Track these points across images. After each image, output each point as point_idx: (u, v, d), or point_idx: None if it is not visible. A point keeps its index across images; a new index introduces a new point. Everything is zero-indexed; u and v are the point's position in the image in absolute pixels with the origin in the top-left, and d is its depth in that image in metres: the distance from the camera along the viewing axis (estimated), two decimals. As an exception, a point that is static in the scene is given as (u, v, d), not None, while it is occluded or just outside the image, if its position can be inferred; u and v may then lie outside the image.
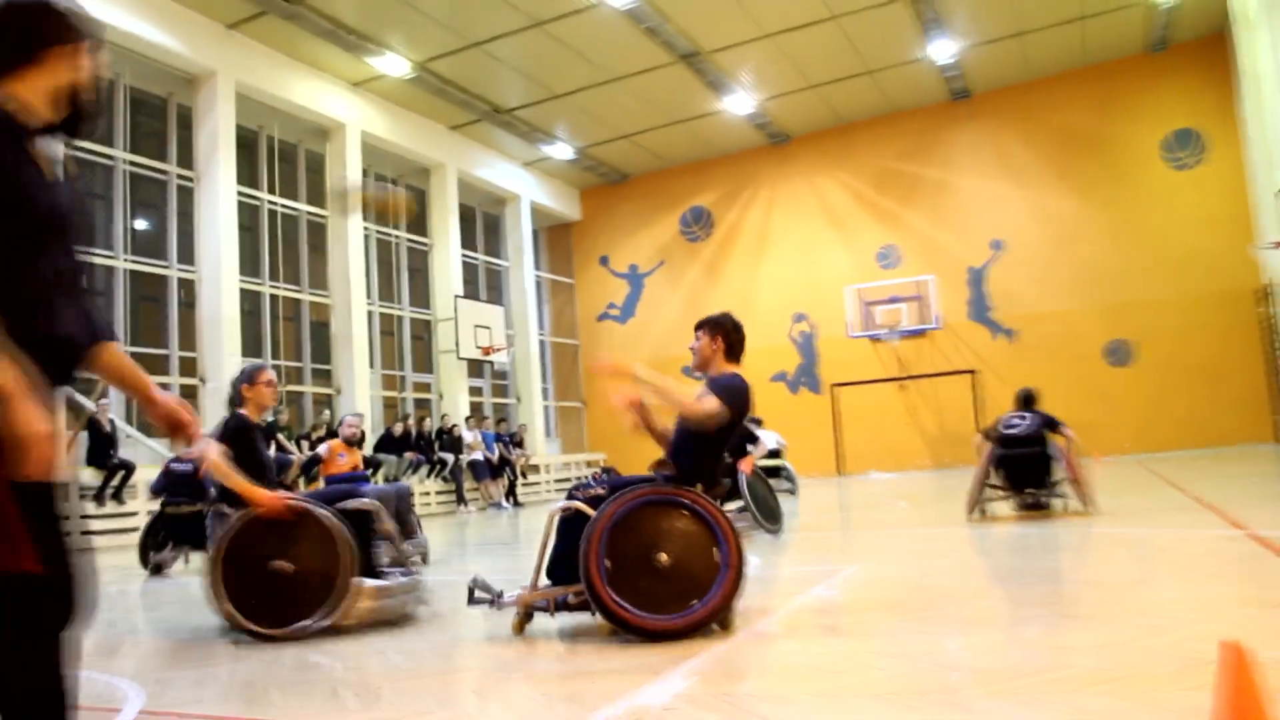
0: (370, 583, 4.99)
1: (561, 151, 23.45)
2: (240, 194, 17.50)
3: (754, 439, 9.96)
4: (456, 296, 21.20)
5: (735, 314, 5.12)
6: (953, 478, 18.16)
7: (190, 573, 9.13)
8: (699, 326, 4.91)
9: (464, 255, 22.88)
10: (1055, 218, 21.66)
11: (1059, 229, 21.58)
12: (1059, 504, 9.31)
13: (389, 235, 21.73)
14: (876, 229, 23.22)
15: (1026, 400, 9.76)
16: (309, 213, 19.63)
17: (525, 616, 4.58)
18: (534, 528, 12.32)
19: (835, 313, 22.90)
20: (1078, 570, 5.56)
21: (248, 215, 18.24)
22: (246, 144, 18.46)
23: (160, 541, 9.50)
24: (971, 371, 22.11)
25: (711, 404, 4.38)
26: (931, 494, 14.05)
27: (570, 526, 4.44)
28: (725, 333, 4.78)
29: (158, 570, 9.40)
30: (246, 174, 18.22)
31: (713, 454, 4.53)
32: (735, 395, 4.47)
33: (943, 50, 20.07)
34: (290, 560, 4.93)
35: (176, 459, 10.13)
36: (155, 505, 10.16)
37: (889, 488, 15.89)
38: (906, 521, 9.56)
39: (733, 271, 24.61)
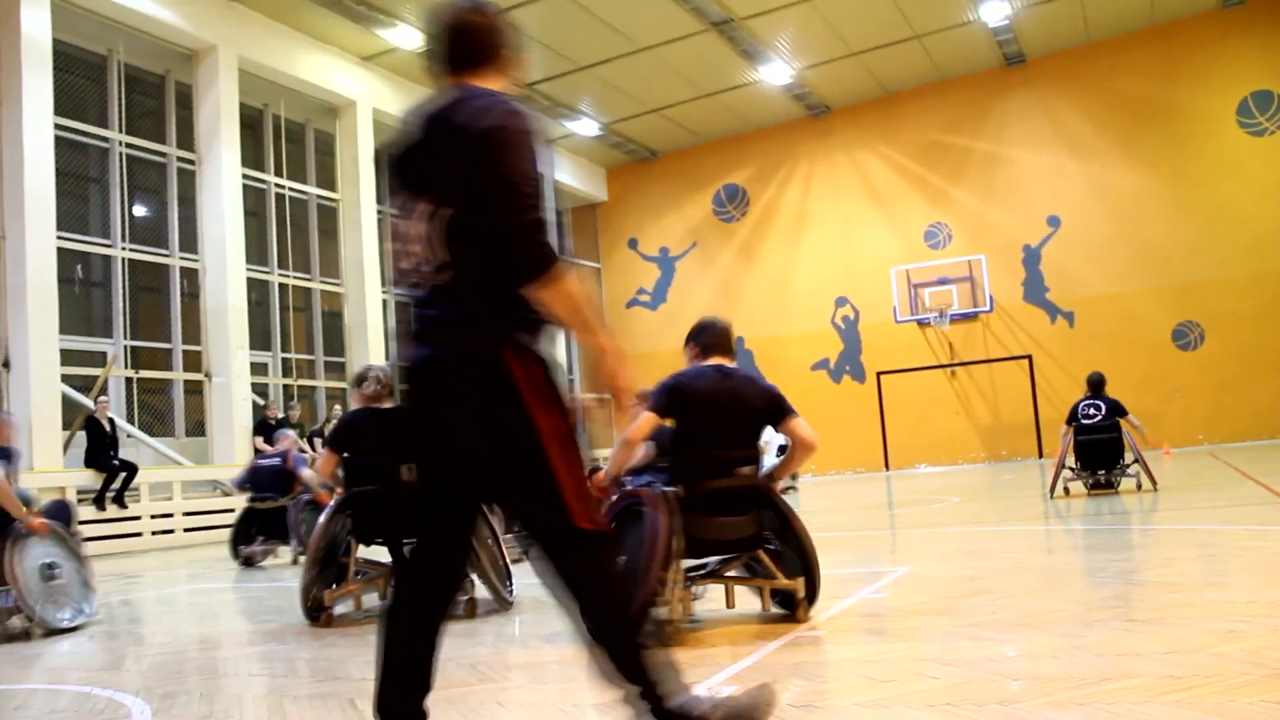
0: None
1: (586, 128, 23.29)
2: (245, 177, 17.52)
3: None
4: (475, 283, 21.05)
5: (717, 317, 5.10)
6: (1009, 471, 17.98)
7: (279, 565, 9.84)
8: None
9: (483, 239, 22.49)
10: (1116, 192, 21.38)
11: (1120, 204, 21.31)
12: (1129, 483, 10.68)
13: (403, 219, 21.48)
14: (923, 206, 22.99)
15: (1097, 386, 10.78)
16: (319, 196, 19.59)
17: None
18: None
19: (880, 296, 22.78)
20: (1145, 570, 5.47)
21: (253, 199, 18.25)
22: (250, 123, 18.47)
23: (249, 535, 10.18)
24: (1027, 357, 21.98)
25: (631, 428, 4.51)
26: (984, 488, 14.01)
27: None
28: (693, 336, 4.87)
29: (248, 563, 10.06)
30: (251, 155, 18.24)
31: (674, 454, 4.64)
32: (656, 395, 4.56)
33: (995, 11, 19.83)
34: None
35: (262, 455, 10.94)
36: (242, 500, 10.86)
37: (941, 482, 15.71)
38: (960, 518, 9.54)
39: (769, 253, 24.40)
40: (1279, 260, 20.40)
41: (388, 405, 5.95)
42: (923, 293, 22.61)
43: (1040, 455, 21.49)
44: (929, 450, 22.50)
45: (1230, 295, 20.67)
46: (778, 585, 4.81)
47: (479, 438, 2.42)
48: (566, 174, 24.67)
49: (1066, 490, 10.75)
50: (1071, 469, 10.67)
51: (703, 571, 5.02)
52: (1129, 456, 10.61)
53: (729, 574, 5.03)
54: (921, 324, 22.64)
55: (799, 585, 4.72)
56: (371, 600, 6.33)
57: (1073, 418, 10.54)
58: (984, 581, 5.46)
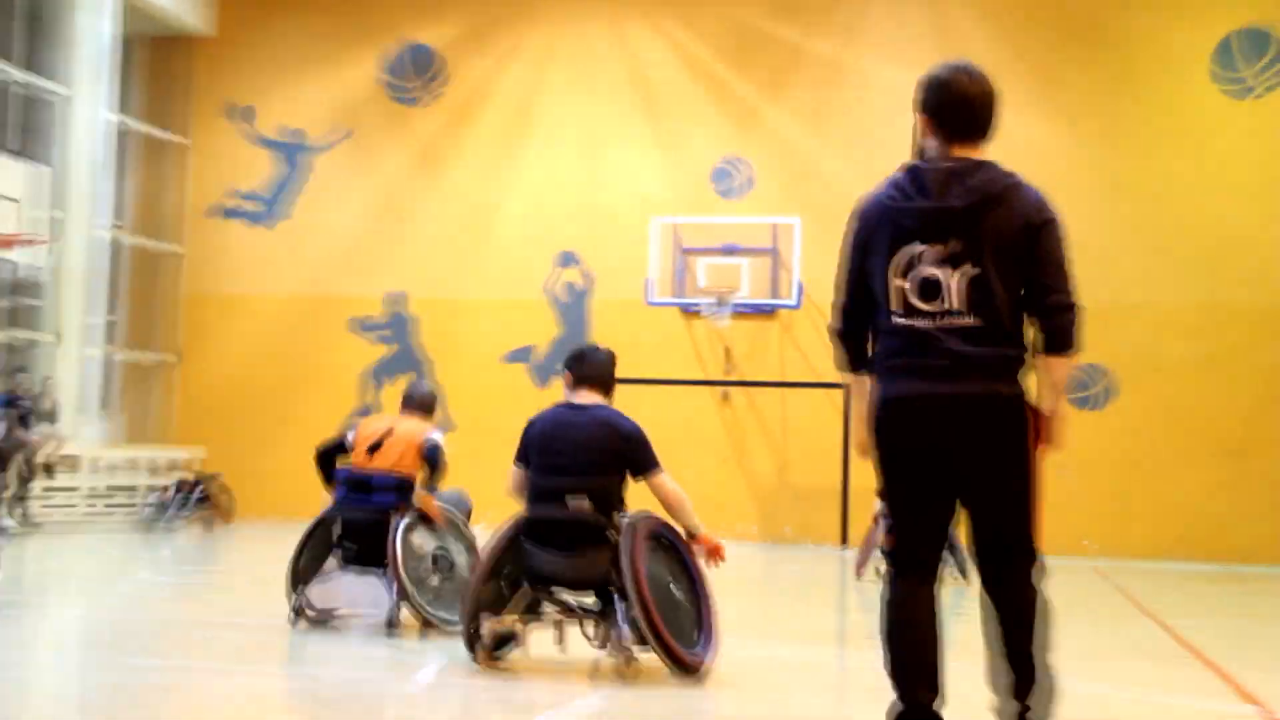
0: None
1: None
2: None
3: None
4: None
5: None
6: (791, 559, 16.19)
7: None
8: None
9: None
10: (1023, 152, 17.20)
11: (1028, 171, 17.16)
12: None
13: None
14: (718, 128, 19.55)
15: None
16: None
17: (494, 644, 5.73)
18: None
19: (629, 260, 19.02)
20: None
21: None
22: None
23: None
24: (843, 386, 17.65)
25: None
26: (753, 583, 13.44)
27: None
28: (569, 364, 5.98)
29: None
30: None
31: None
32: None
33: None
34: None
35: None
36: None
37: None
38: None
39: (465, 165, 20.34)
40: (1251, 291, 16.99)
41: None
42: (696, 263, 18.71)
43: (844, 542, 17.84)
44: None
45: (1169, 332, 17.38)
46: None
47: (985, 466, 3.49)
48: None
49: (878, 571, 9.57)
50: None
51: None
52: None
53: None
54: (689, 312, 18.70)
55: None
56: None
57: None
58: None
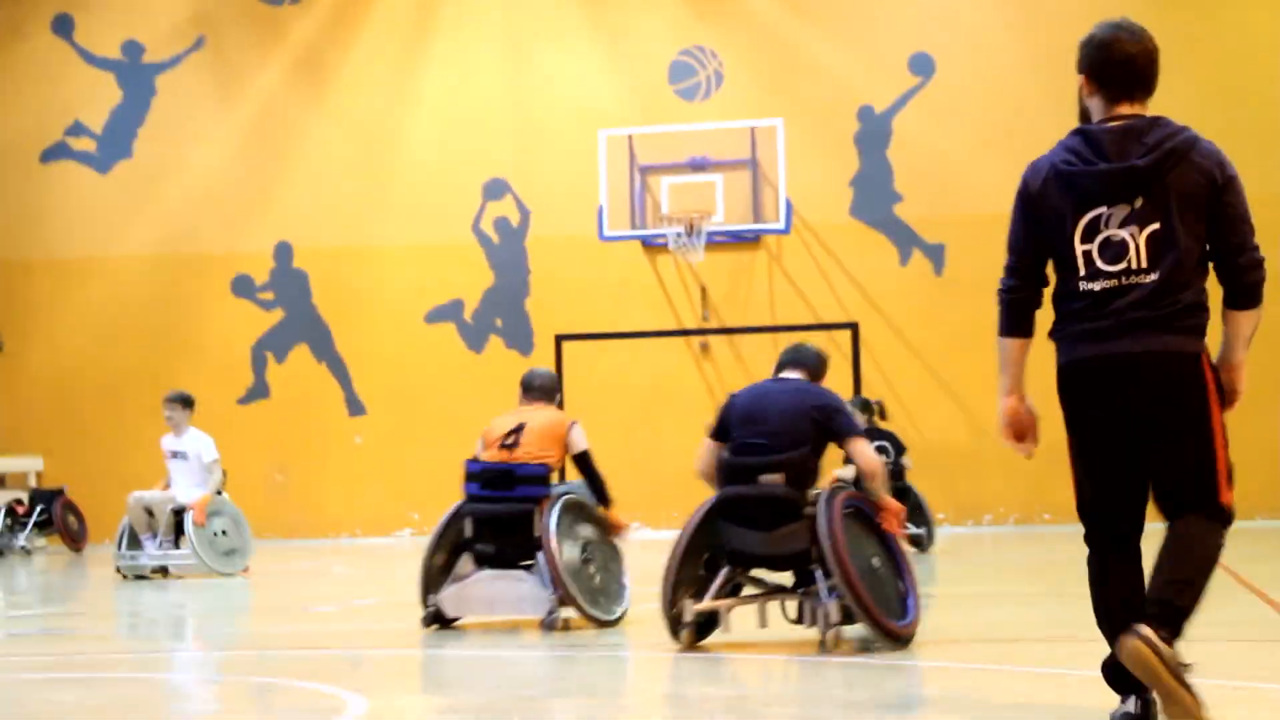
0: None
1: None
2: None
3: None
4: None
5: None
6: None
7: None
8: None
9: None
10: (1049, 24, 17.36)
11: (1054, 48, 16.84)
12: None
13: None
14: (672, 11, 18.18)
15: (864, 407, 12.33)
16: None
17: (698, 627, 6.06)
18: None
19: (574, 185, 17.70)
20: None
21: None
22: None
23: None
24: (850, 325, 17.69)
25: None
26: None
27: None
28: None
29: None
30: None
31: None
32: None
33: None
34: None
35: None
36: None
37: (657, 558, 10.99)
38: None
39: (359, 76, 18.80)
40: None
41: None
42: (658, 184, 17.48)
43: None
44: (650, 493, 16.55)
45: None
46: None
47: (1168, 423, 3.63)
48: None
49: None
50: None
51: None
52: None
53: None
54: (652, 246, 17.61)
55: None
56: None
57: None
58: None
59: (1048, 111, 17.09)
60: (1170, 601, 3.56)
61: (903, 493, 11.58)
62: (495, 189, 18.08)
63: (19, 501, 14.75)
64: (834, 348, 16.93)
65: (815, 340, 16.92)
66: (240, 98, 18.91)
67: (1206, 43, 17.47)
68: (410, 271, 18.28)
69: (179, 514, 10.51)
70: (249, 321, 16.83)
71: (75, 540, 14.42)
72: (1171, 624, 3.51)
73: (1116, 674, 3.70)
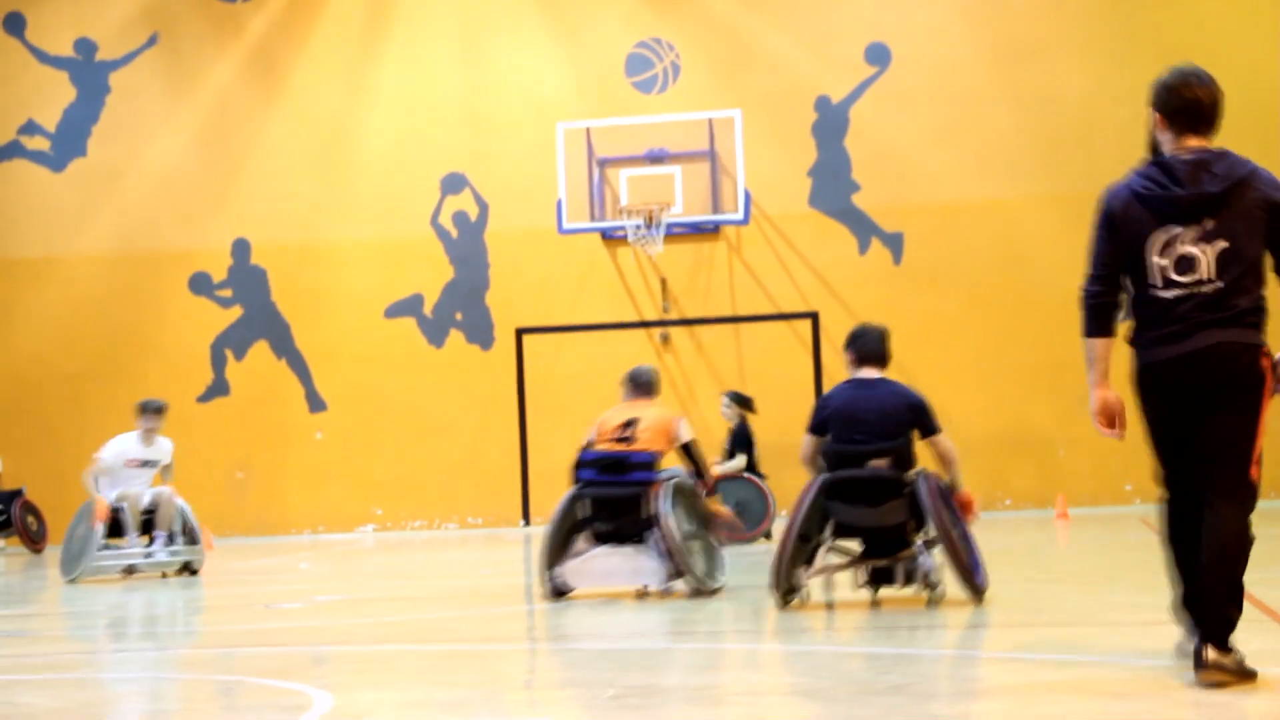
0: None
1: None
2: None
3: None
4: None
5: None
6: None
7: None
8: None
9: None
10: (992, 13, 18.05)
11: (1015, 36, 17.96)
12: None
13: None
14: (629, 4, 18.44)
15: (740, 402, 13.69)
16: None
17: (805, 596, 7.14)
18: None
19: (532, 179, 17.90)
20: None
21: None
22: None
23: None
24: (810, 315, 17.84)
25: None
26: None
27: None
28: (848, 343, 7.56)
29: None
30: None
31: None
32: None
33: None
34: None
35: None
36: None
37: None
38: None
39: (315, 71, 18.87)
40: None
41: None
42: (617, 177, 17.72)
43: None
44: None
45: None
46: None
47: (1222, 403, 4.19)
48: None
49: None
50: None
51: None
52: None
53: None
54: (611, 238, 17.81)
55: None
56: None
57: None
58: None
59: (1003, 100, 17.84)
60: (1221, 615, 4.12)
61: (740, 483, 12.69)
62: (453, 183, 18.03)
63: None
64: (794, 338, 17.45)
65: (775, 330, 17.64)
66: (195, 95, 18.80)
67: (1168, 30, 17.30)
68: (369, 266, 18.22)
69: (149, 514, 10.32)
70: (208, 319, 16.68)
71: (34, 541, 14.23)
72: (1225, 636, 4.07)
73: (1186, 615, 4.39)
